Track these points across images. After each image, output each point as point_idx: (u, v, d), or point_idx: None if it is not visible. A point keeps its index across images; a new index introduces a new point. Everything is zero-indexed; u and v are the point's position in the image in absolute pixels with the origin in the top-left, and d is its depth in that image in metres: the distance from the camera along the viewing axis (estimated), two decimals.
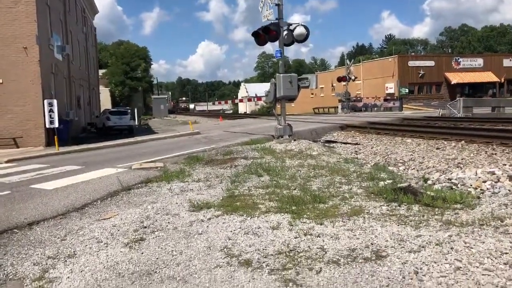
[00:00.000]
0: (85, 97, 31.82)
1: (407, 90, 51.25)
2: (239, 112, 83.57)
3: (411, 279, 3.42)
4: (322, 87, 59.49)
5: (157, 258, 4.21)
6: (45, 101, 16.43)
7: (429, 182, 7.22)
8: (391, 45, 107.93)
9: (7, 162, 13.16)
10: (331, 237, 4.50)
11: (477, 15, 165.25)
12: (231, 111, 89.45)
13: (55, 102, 16.46)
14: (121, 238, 4.93)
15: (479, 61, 56.41)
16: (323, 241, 4.40)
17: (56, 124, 16.42)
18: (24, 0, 16.98)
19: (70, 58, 25.39)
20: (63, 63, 23.18)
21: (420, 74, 52.67)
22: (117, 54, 65.86)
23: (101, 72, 56.01)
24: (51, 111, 16.27)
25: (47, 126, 16.50)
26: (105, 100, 50.67)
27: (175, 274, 3.81)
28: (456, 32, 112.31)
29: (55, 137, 16.03)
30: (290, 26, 13.76)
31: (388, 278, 3.47)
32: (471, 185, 6.45)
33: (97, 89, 40.70)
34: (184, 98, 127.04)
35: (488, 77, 54.34)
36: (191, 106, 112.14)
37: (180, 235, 4.88)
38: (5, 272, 4.11)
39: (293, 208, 5.65)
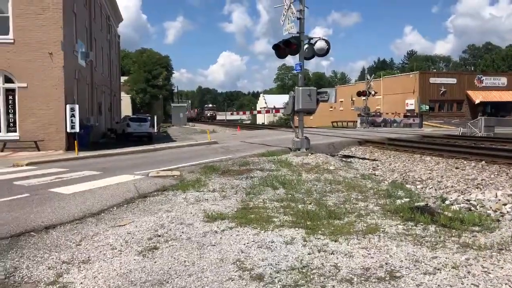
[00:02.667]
0: (106, 103, 32.30)
1: (427, 107, 50.50)
2: (257, 123, 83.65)
3: None
4: (342, 101, 59.20)
5: (170, 268, 4.22)
6: (67, 106, 16.72)
7: (447, 202, 7.10)
8: (412, 61, 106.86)
9: (27, 165, 13.39)
10: (345, 255, 4.45)
11: (502, 33, 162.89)
12: (249, 122, 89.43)
13: (76, 107, 16.75)
14: (135, 246, 4.97)
15: (502, 80, 55.49)
16: (337, 258, 4.36)
17: (77, 129, 16.69)
18: (52, 7, 17.41)
19: (94, 64, 25.86)
20: (87, 70, 23.62)
21: (441, 91, 52.02)
22: (139, 61, 66.94)
23: (123, 79, 56.91)
24: (72, 116, 16.55)
25: (68, 130, 16.78)
26: (126, 107, 51.37)
27: (186, 285, 3.81)
28: (480, 50, 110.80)
29: (75, 141, 16.28)
30: (311, 40, 13.81)
31: None
32: (490, 207, 6.32)
33: (118, 96, 41.30)
34: (211, 105, 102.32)
35: None
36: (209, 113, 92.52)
37: (193, 246, 4.89)
38: (21, 275, 4.17)
39: (307, 223, 5.62)
